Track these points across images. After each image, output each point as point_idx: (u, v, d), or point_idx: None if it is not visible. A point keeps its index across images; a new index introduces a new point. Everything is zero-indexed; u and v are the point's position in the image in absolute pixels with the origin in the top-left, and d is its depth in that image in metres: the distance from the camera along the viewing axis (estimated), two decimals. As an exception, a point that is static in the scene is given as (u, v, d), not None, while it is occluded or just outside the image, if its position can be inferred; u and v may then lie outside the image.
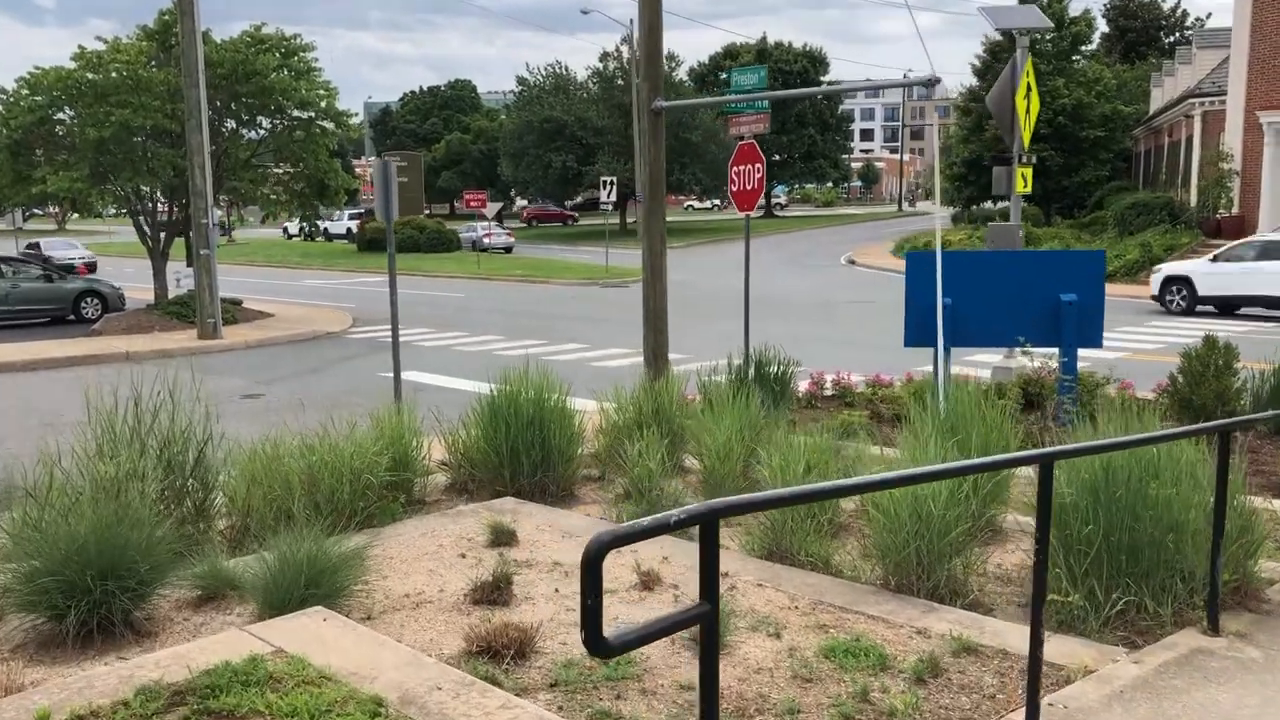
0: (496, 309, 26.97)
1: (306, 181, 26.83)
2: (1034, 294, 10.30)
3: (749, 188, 12.39)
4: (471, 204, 42.97)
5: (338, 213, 57.59)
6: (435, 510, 7.62)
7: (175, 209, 25.29)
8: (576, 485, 8.21)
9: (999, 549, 6.54)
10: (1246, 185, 33.41)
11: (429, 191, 75.67)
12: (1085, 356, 10.61)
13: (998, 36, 45.33)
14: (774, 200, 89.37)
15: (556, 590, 5.84)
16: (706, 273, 35.65)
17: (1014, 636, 5.09)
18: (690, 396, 9.63)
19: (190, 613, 5.56)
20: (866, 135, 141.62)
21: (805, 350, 11.70)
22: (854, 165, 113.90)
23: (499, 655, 4.85)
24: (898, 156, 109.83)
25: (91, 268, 36.65)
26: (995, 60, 47.23)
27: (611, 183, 38.84)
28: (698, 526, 2.82)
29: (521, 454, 7.84)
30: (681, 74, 72.65)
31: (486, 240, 48.34)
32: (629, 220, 63.61)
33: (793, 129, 74.96)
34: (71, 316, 24.71)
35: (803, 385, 11.55)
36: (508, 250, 51.96)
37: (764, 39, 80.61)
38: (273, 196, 27.32)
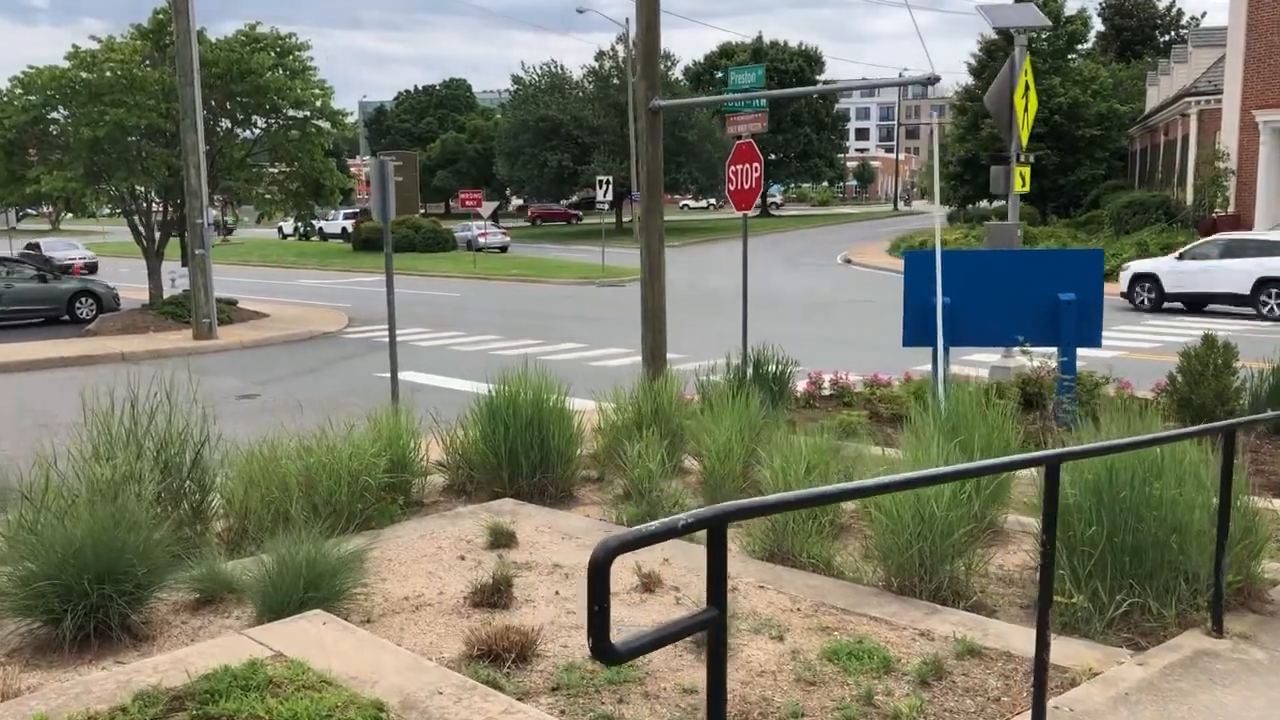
0: (493, 309, 26.92)
1: (302, 181, 26.77)
2: (1032, 293, 10.28)
3: (747, 187, 12.36)
4: (467, 203, 42.94)
5: (332, 212, 57.55)
6: (434, 512, 7.57)
7: (170, 209, 25.22)
8: (575, 486, 8.17)
9: (1000, 550, 6.52)
10: (1242, 184, 33.43)
11: (424, 191, 75.53)
12: (1083, 356, 10.58)
13: (994, 35, 45.35)
14: (770, 199, 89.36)
15: (557, 592, 5.81)
16: (702, 272, 35.62)
17: (1017, 638, 5.07)
18: (688, 396, 9.60)
19: (188, 616, 5.52)
20: (862, 134, 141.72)
21: (802, 350, 11.67)
22: (849, 164, 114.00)
23: (500, 659, 4.81)
24: (893, 156, 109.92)
25: (92, 268, 36.39)
26: (991, 59, 47.24)
27: (607, 182, 38.78)
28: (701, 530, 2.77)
29: (520, 455, 7.80)
30: (677, 73, 72.68)
31: (482, 240, 48.28)
32: (625, 219, 63.60)
33: (788, 128, 74.97)
34: (66, 317, 24.63)
35: (800, 385, 11.53)
36: (503, 249, 51.89)
37: (759, 38, 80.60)
38: (268, 196, 27.26)
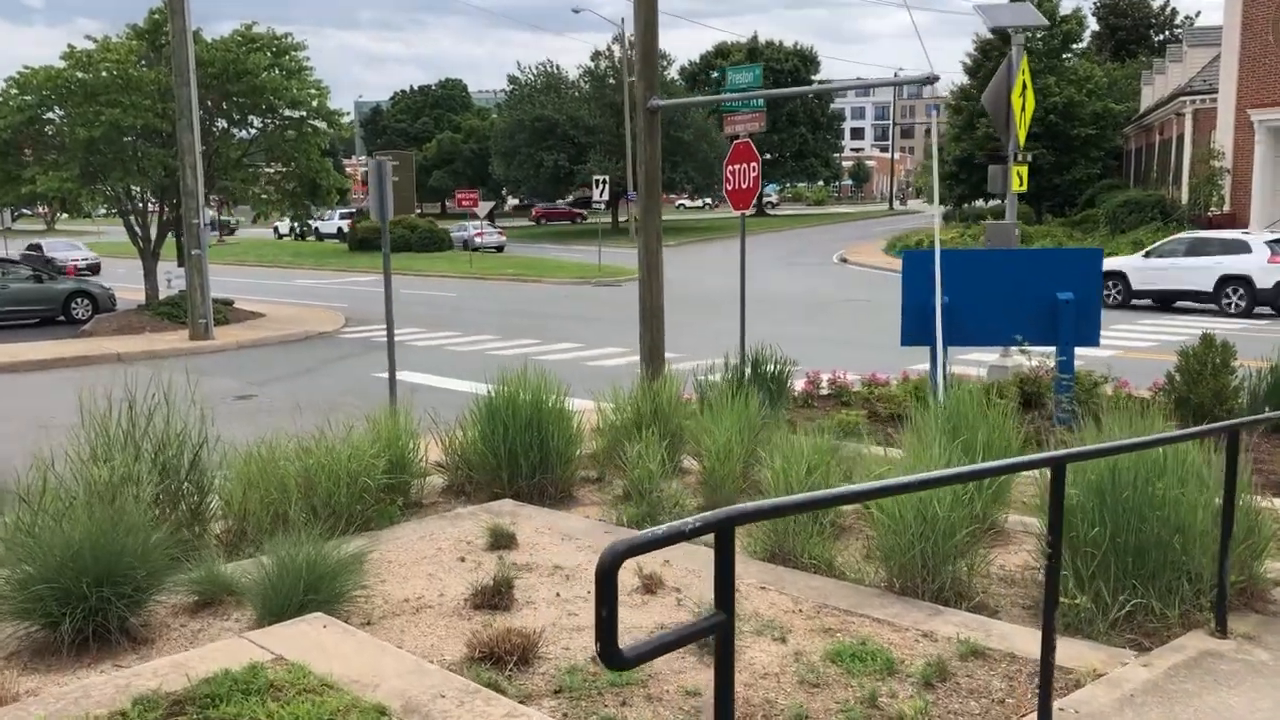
0: (489, 308, 26.89)
1: (298, 181, 26.74)
2: (1030, 292, 10.27)
3: (744, 186, 12.33)
4: (464, 203, 42.93)
5: (328, 212, 57.46)
6: (433, 513, 7.55)
7: (166, 209, 25.16)
8: (575, 487, 8.14)
9: (1002, 550, 6.50)
10: (1238, 183, 33.50)
11: (420, 191, 75.49)
12: (1080, 355, 10.58)
13: (989, 35, 45.35)
14: (765, 199, 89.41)
15: (558, 594, 5.78)
16: (699, 271, 35.60)
17: (1021, 639, 5.05)
18: (686, 396, 9.57)
19: (187, 619, 5.48)
20: (857, 134, 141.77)
21: (799, 349, 11.65)
22: (845, 164, 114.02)
23: (502, 661, 4.78)
24: (888, 155, 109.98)
25: (95, 269, 36.07)
26: (986, 59, 47.32)
27: (604, 182, 38.75)
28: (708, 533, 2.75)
29: (520, 455, 7.77)
30: (673, 73, 72.70)
31: (478, 239, 48.25)
32: (620, 219, 63.58)
33: (784, 128, 75.01)
34: (62, 317, 24.57)
35: (798, 384, 11.51)
36: (499, 249, 51.85)
37: (755, 38, 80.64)
38: (264, 196, 27.24)
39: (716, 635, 2.70)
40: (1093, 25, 62.34)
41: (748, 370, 10.65)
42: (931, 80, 9.71)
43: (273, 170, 27.87)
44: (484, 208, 43.90)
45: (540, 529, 7.00)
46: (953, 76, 53.69)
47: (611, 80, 61.04)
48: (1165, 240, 25.46)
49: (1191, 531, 5.39)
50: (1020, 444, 7.63)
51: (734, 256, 13.97)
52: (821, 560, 6.15)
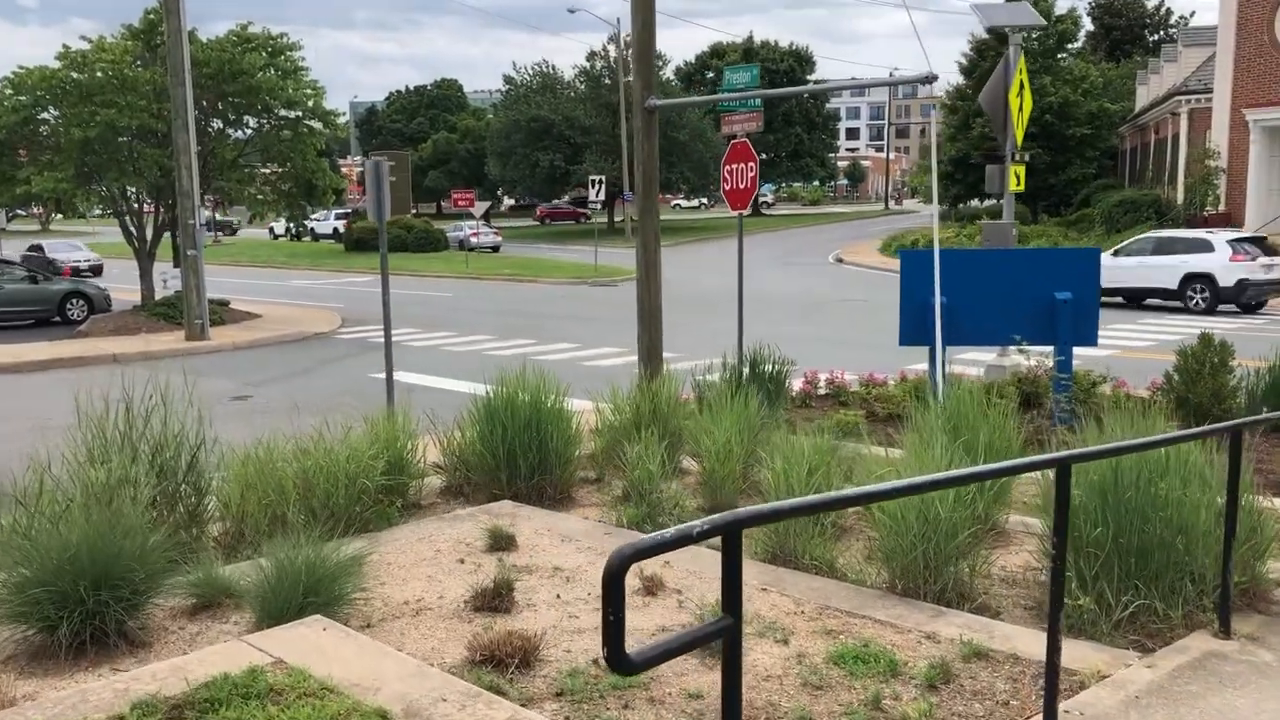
0: (485, 309, 26.85)
1: (294, 181, 26.66)
2: (1028, 292, 10.26)
3: (742, 186, 12.30)
4: (460, 203, 42.89)
5: (324, 213, 57.35)
6: (431, 514, 7.51)
7: (162, 209, 25.08)
8: (574, 488, 8.11)
9: (1003, 550, 6.48)
10: (1233, 182, 33.55)
11: (416, 191, 75.32)
12: (1078, 355, 10.57)
13: (984, 35, 45.39)
14: (761, 199, 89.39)
15: (558, 596, 5.75)
16: (694, 271, 35.57)
17: (1024, 640, 5.03)
18: (684, 396, 9.55)
19: (185, 622, 5.45)
20: (852, 134, 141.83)
21: (796, 349, 11.62)
22: (840, 164, 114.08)
23: (503, 664, 4.75)
24: (884, 155, 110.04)
25: (97, 270, 35.77)
26: (981, 58, 47.36)
27: (600, 182, 38.71)
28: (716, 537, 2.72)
29: (518, 456, 7.74)
30: (668, 73, 72.64)
31: (474, 239, 48.19)
32: (616, 219, 63.54)
33: (780, 128, 74.99)
34: (57, 318, 24.47)
35: (796, 384, 11.49)
36: (495, 249, 51.80)
37: (750, 38, 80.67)
38: (259, 196, 27.15)
39: (724, 640, 2.67)
40: (1087, 25, 62.47)
41: (746, 370, 10.62)
42: (930, 79, 9.69)
43: (268, 170, 27.79)
44: (480, 208, 43.85)
45: (539, 530, 6.97)
46: (948, 76, 53.76)
47: (607, 80, 61.01)
48: (1133, 239, 25.89)
49: (1194, 532, 5.37)
50: (1021, 444, 7.61)
51: (729, 256, 13.95)
52: (823, 561, 6.13)
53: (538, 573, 6.14)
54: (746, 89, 13.23)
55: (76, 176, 23.42)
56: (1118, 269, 23.88)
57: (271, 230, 70.43)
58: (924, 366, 11.28)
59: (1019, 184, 13.34)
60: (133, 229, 25.27)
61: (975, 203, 52.92)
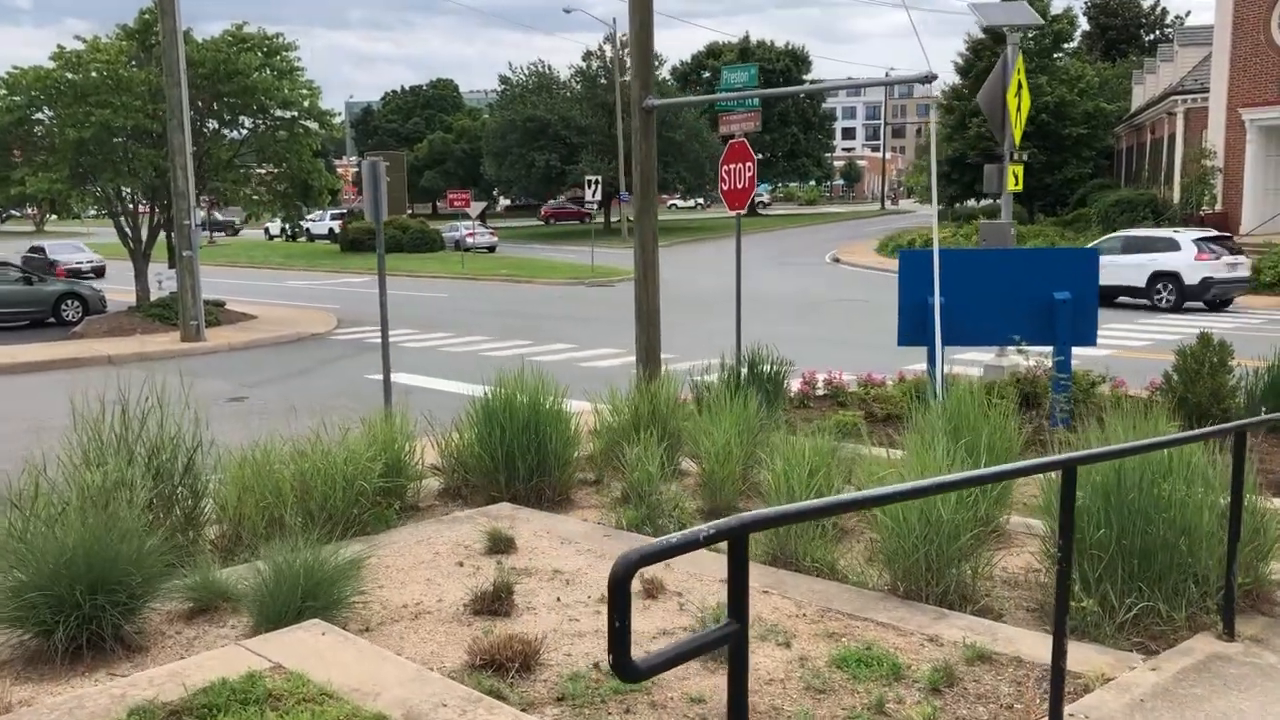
0: (482, 309, 26.80)
1: (289, 182, 26.60)
2: (1026, 292, 10.24)
3: (740, 186, 12.26)
4: (455, 203, 42.79)
5: (319, 213, 57.23)
6: (430, 516, 7.47)
7: (157, 210, 25.01)
8: (573, 489, 8.08)
9: (1004, 551, 6.45)
10: (1229, 182, 33.55)
11: (411, 191, 75.21)
12: (1075, 355, 10.54)
13: (980, 35, 45.42)
14: (757, 199, 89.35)
15: (558, 599, 5.71)
16: (691, 271, 35.53)
17: (1027, 643, 5.01)
18: (681, 397, 9.51)
19: (182, 625, 5.41)
20: (848, 134, 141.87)
21: (794, 349, 11.59)
22: (836, 164, 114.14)
23: (503, 668, 4.72)
24: (880, 155, 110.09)
25: (100, 272, 35.59)
26: (978, 58, 47.30)
27: (596, 182, 38.67)
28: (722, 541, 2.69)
29: (517, 458, 7.70)
30: (664, 73, 72.61)
31: (470, 240, 48.10)
32: (613, 219, 63.50)
33: (776, 128, 75.01)
34: (51, 319, 24.39)
35: (794, 385, 11.46)
36: (491, 250, 51.74)
37: (746, 38, 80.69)
38: (255, 197, 27.08)
39: (730, 645, 2.64)
40: (1083, 25, 62.50)
41: (744, 371, 10.58)
42: (930, 79, 9.67)
43: (264, 171, 27.72)
44: (476, 208, 43.76)
45: (539, 532, 6.93)
46: (944, 76, 53.70)
47: (603, 80, 60.96)
48: (1104, 238, 26.37)
49: (1197, 533, 5.34)
50: (1022, 445, 7.59)
51: (726, 256, 13.93)
52: (824, 563, 6.09)
53: (537, 575, 6.10)
54: (744, 89, 13.20)
55: (71, 177, 23.35)
56: None
57: (267, 231, 70.31)
58: (921, 367, 11.25)
59: (1018, 184, 13.32)
60: (127, 230, 25.20)
61: (971, 202, 52.88)
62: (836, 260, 42.09)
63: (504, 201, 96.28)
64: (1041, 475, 5.86)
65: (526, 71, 66.06)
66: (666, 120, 55.57)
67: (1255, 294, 25.66)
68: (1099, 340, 11.01)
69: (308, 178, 26.28)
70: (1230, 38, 33.02)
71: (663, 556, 2.49)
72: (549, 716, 4.34)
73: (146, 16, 24.11)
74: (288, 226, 60.46)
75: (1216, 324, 19.14)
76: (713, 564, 5.90)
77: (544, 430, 7.76)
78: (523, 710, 4.31)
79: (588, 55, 64.53)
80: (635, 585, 5.68)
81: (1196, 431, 5.36)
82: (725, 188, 12.42)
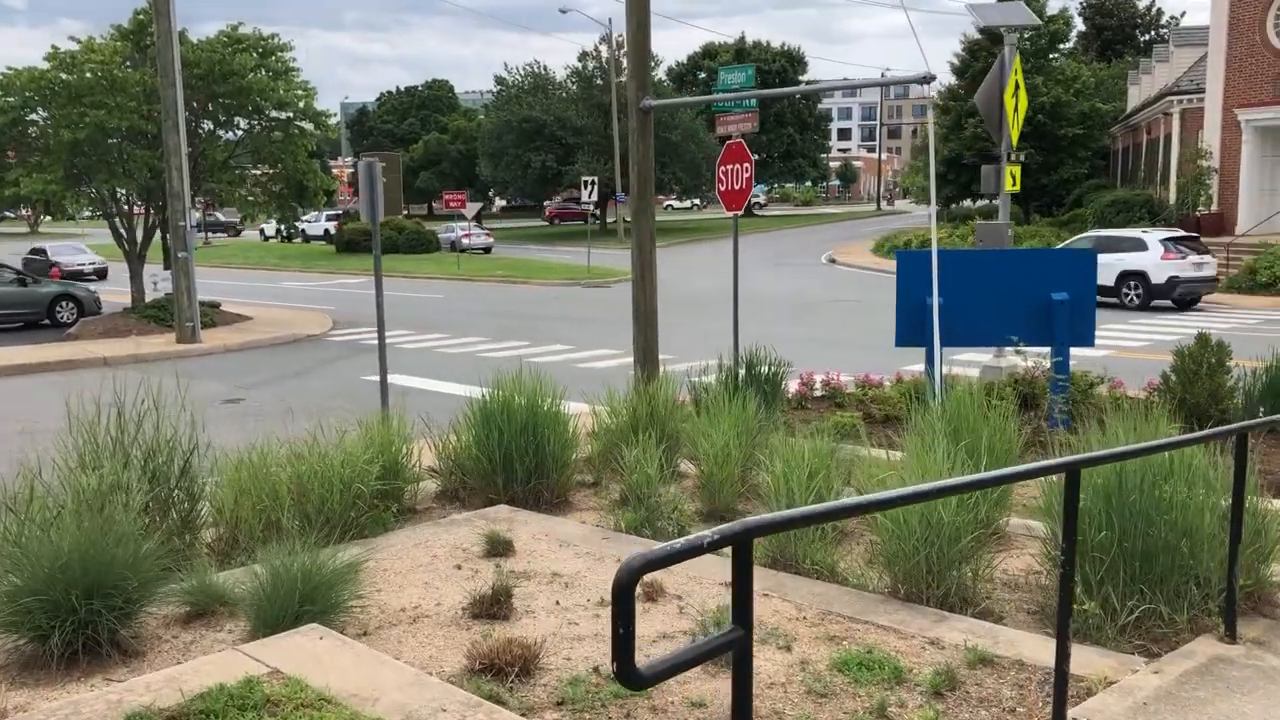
0: (478, 310, 26.76)
1: (285, 183, 26.55)
2: (1024, 293, 10.22)
3: (737, 187, 12.25)
4: (451, 204, 42.69)
5: (315, 214, 57.19)
6: (427, 519, 7.44)
7: (152, 211, 24.95)
8: (571, 491, 8.05)
9: (1004, 553, 6.43)
10: (1225, 182, 33.57)
11: (407, 192, 75.25)
12: (1073, 355, 10.53)
13: (977, 35, 45.45)
14: (753, 200, 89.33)
15: (557, 602, 5.68)
16: (688, 272, 35.53)
17: (1029, 646, 4.98)
18: (679, 399, 9.48)
19: (179, 630, 5.37)
20: (844, 135, 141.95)
21: (791, 350, 11.57)
22: (832, 164, 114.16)
23: (503, 673, 4.68)
24: (876, 155, 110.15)
25: (102, 274, 35.42)
26: (974, 59, 47.34)
27: (593, 182, 38.63)
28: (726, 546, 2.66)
29: (515, 460, 7.67)
30: (660, 73, 72.57)
31: (466, 241, 48.03)
32: (609, 220, 63.46)
33: (772, 128, 75.02)
34: (46, 321, 24.32)
35: (792, 386, 11.43)
36: (487, 250, 51.69)
37: (742, 38, 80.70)
38: (250, 198, 27.03)
39: (734, 651, 2.61)
40: (1079, 25, 62.57)
41: (742, 372, 10.56)
42: (928, 79, 9.64)
43: (259, 172, 27.66)
44: (471, 209, 43.68)
45: (537, 535, 6.90)
46: (940, 77, 53.74)
47: (599, 81, 60.93)
48: (1076, 238, 26.87)
49: (1199, 535, 5.32)
50: (1022, 446, 7.56)
51: (722, 257, 13.91)
52: (824, 566, 6.07)
53: (536, 578, 6.07)
54: (742, 89, 13.18)
55: (66, 178, 23.29)
56: None
57: (262, 232, 70.23)
58: (919, 368, 11.24)
59: (1015, 184, 13.31)
60: (123, 231, 25.14)
61: (968, 203, 52.92)
62: (832, 261, 42.08)
63: (500, 202, 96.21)
64: (1044, 478, 5.85)
65: (522, 72, 66.07)
66: (662, 121, 55.53)
67: (1229, 293, 26.45)
68: (1099, 340, 11.00)
69: (303, 179, 26.23)
70: (1226, 38, 33.06)
71: (667, 563, 2.47)
72: (549, 721, 4.31)
73: (141, 17, 24.05)
74: (283, 227, 60.42)
75: (1217, 324, 19.15)
76: (712, 566, 5.87)
77: (542, 432, 7.73)
78: (522, 715, 4.28)
79: (584, 56, 64.58)
80: (635, 589, 5.65)
81: (1199, 433, 5.34)
82: (723, 188, 12.40)
